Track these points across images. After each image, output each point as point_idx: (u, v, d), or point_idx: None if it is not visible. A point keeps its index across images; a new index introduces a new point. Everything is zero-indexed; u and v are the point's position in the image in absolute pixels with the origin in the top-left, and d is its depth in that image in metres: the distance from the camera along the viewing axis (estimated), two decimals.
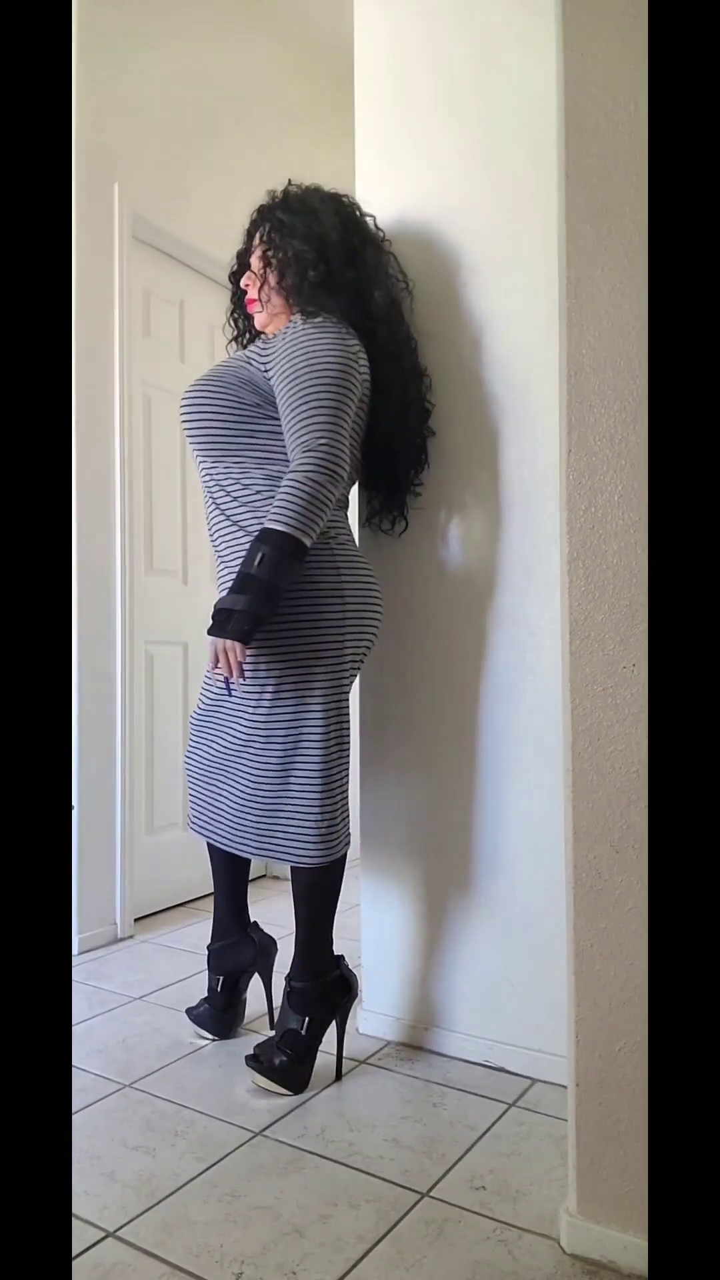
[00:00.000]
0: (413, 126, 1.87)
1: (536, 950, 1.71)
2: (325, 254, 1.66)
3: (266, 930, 1.89)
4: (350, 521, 1.79)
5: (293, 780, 1.61)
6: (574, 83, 1.19)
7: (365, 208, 1.92)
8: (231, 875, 1.85)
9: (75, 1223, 1.27)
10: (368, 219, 1.77)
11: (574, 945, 1.19)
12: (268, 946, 1.85)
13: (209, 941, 1.88)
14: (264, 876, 3.16)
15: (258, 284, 1.74)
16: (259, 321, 1.78)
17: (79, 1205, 1.31)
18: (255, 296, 1.76)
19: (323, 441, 1.53)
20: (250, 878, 1.95)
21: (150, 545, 2.78)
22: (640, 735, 1.16)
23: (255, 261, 1.74)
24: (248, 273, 1.77)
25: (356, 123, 1.95)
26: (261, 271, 1.73)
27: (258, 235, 1.74)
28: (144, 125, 2.66)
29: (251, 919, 1.88)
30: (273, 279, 1.71)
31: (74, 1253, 1.21)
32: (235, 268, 1.83)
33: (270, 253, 1.70)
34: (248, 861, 1.83)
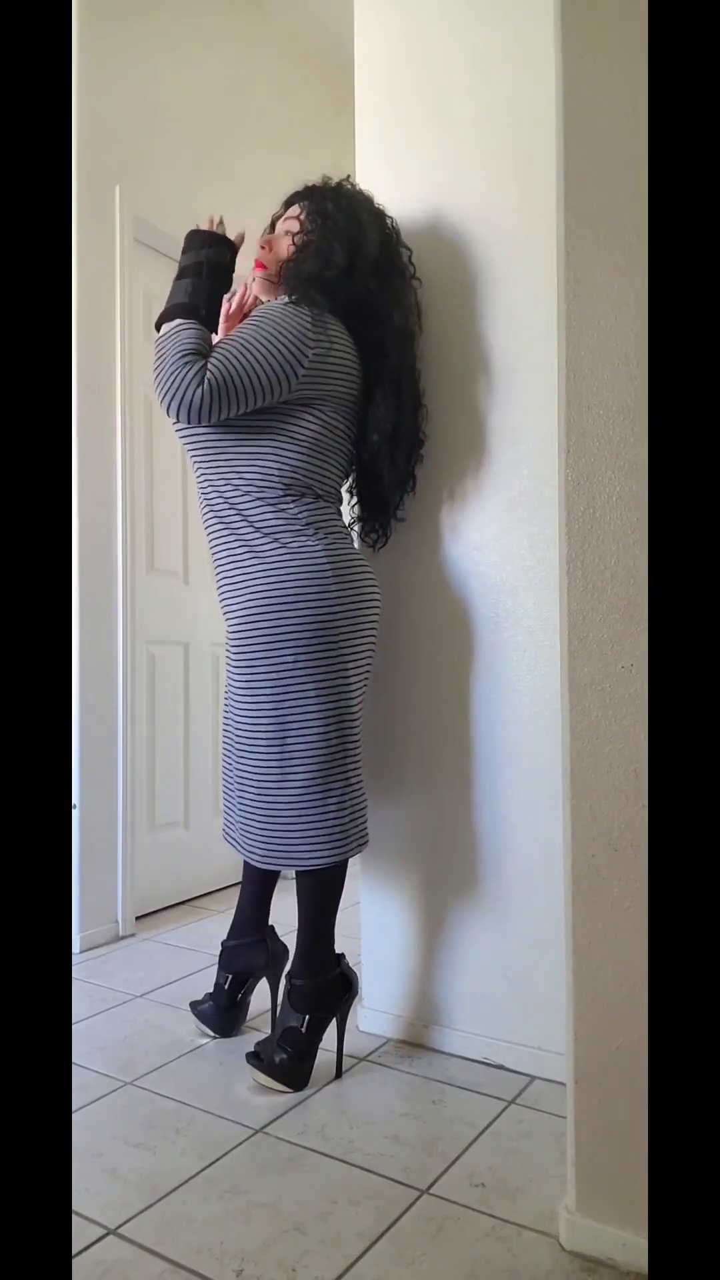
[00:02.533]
0: (412, 130, 1.87)
1: (536, 948, 1.71)
2: (355, 263, 1.63)
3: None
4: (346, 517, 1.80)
5: (290, 780, 1.60)
6: (574, 84, 1.19)
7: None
8: (260, 876, 1.85)
9: (76, 1220, 1.28)
10: (402, 249, 1.76)
11: (573, 943, 1.20)
12: (280, 954, 1.85)
13: (225, 937, 1.88)
14: None
15: (270, 250, 1.72)
16: (257, 288, 1.75)
17: (79, 1202, 1.32)
18: (265, 261, 1.72)
19: (221, 367, 1.52)
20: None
21: (151, 545, 2.78)
22: (639, 735, 1.16)
23: (283, 227, 1.72)
24: (268, 235, 1.75)
25: (356, 125, 1.95)
26: (288, 242, 1.69)
27: (299, 207, 1.71)
28: (146, 127, 2.67)
29: (270, 923, 1.88)
30: (292, 256, 1.67)
31: (74, 1250, 1.21)
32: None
33: (308, 234, 1.66)
34: None
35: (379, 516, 1.83)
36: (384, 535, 1.85)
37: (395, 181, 1.89)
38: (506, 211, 1.75)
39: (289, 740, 1.60)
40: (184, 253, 1.70)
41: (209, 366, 1.54)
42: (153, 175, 2.68)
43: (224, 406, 1.55)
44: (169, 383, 1.53)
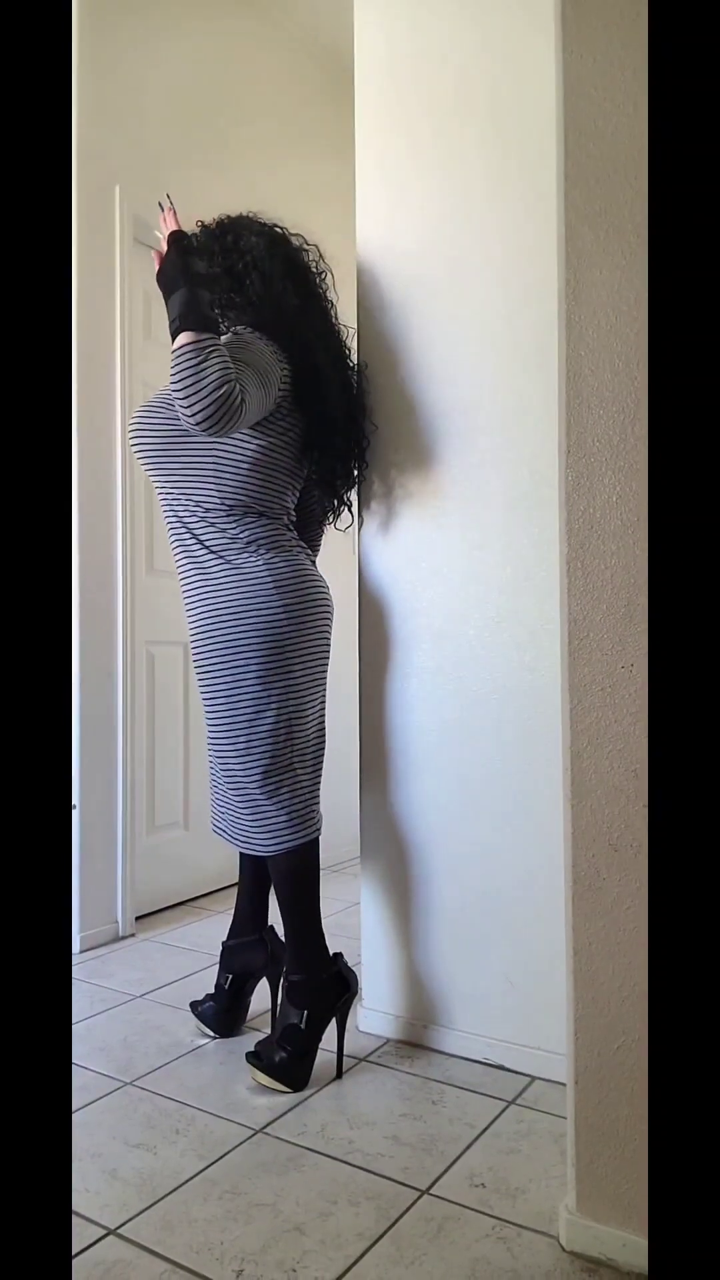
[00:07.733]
0: (411, 130, 1.87)
1: (536, 948, 1.71)
2: (261, 272, 1.71)
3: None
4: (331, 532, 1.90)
5: (250, 773, 1.68)
6: (574, 84, 1.19)
7: (364, 213, 1.94)
8: (253, 873, 1.89)
9: (76, 1220, 1.28)
10: (299, 242, 1.81)
11: (573, 943, 1.20)
12: (280, 953, 1.85)
13: (225, 937, 1.90)
14: None
15: None
16: None
17: (80, 1203, 1.32)
18: None
19: (242, 384, 1.53)
20: None
21: (151, 545, 2.78)
22: (639, 735, 1.16)
23: None
24: None
25: (356, 126, 1.95)
26: None
27: None
28: (146, 127, 2.66)
29: (269, 923, 1.90)
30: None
31: (75, 1250, 1.21)
32: None
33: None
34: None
35: (335, 495, 1.89)
36: (346, 508, 1.91)
37: (394, 182, 1.89)
38: (508, 212, 1.75)
39: (243, 737, 1.67)
40: (191, 254, 1.64)
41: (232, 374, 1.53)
42: (153, 175, 2.67)
43: (238, 427, 1.56)
44: (221, 400, 1.49)
